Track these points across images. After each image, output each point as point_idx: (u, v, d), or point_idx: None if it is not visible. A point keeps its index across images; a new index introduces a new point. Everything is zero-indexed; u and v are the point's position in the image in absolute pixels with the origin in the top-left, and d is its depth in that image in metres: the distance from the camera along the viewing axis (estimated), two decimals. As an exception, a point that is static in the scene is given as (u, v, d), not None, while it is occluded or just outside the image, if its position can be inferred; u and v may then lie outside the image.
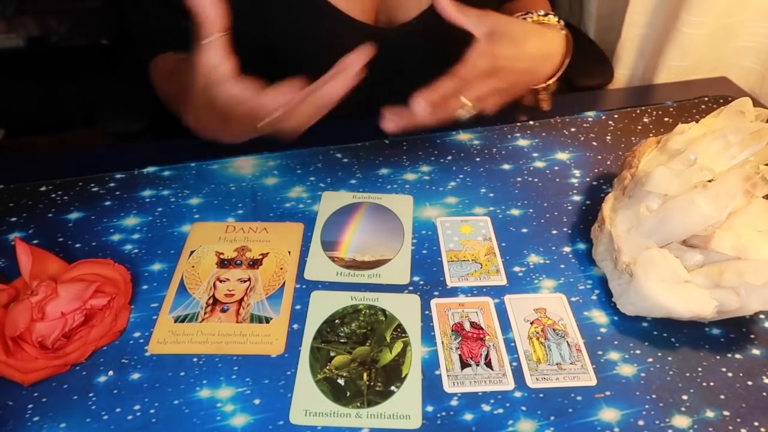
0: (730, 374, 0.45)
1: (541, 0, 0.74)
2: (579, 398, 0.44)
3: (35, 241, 0.55)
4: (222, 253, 0.54)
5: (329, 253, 0.54)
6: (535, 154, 0.66)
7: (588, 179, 0.63)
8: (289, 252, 0.54)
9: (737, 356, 0.47)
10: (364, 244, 0.55)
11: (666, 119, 0.72)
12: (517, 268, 0.53)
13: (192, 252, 0.54)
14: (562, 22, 0.62)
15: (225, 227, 0.56)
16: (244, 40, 0.67)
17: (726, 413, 0.43)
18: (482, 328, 0.48)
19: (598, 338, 0.48)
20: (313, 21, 0.65)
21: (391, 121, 0.52)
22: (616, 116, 0.71)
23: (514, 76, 0.55)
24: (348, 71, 0.48)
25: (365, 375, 0.45)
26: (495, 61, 0.53)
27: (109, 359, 0.46)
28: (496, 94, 0.55)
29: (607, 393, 0.44)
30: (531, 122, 0.70)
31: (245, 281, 0.52)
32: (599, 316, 0.49)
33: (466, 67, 0.52)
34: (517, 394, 0.44)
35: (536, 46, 0.57)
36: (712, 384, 0.45)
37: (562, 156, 0.66)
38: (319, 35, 0.66)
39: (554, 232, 0.57)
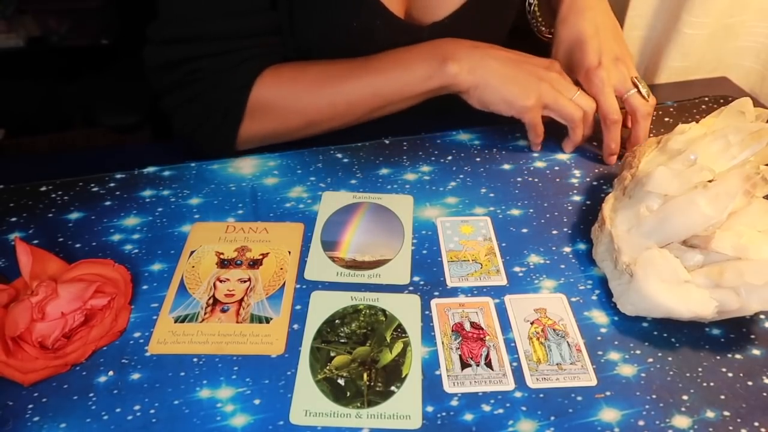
0: (730, 374, 0.45)
1: None
2: (579, 398, 0.44)
3: (35, 241, 0.55)
4: (222, 253, 0.54)
5: (329, 253, 0.54)
6: (535, 154, 0.66)
7: (588, 179, 0.63)
8: (289, 252, 0.54)
9: (737, 356, 0.47)
10: (364, 244, 0.55)
11: (666, 119, 0.72)
12: (517, 268, 0.53)
13: (192, 252, 0.54)
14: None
15: (225, 227, 0.56)
16: (287, 30, 0.65)
17: (726, 413, 0.43)
18: (482, 328, 0.48)
19: (598, 338, 0.48)
20: (352, 11, 0.64)
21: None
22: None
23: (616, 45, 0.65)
24: None
25: (365, 375, 0.45)
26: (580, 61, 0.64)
27: (109, 359, 0.46)
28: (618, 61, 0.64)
29: (607, 393, 0.44)
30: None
31: (245, 281, 0.51)
32: (599, 316, 0.49)
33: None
34: (517, 394, 0.44)
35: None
36: (712, 384, 0.45)
37: (562, 156, 0.66)
38: (357, 26, 0.65)
39: (554, 232, 0.57)
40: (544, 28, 0.74)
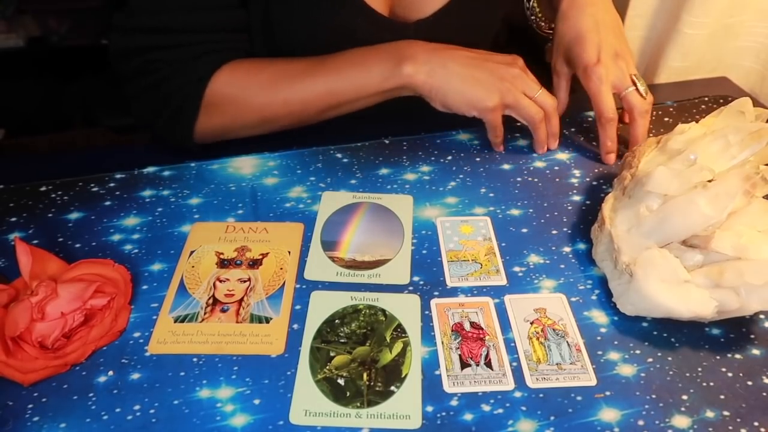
0: (730, 374, 0.45)
1: None
2: (579, 398, 0.44)
3: (35, 241, 0.55)
4: (222, 253, 0.54)
5: (329, 253, 0.54)
6: (535, 154, 0.66)
7: (588, 179, 0.63)
8: (289, 252, 0.54)
9: (737, 356, 0.47)
10: (364, 244, 0.55)
11: (666, 119, 0.72)
12: (517, 268, 0.53)
13: (192, 252, 0.54)
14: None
15: (225, 227, 0.56)
16: (268, 27, 0.65)
17: (726, 413, 0.43)
18: (482, 328, 0.48)
19: (598, 338, 0.48)
20: (332, 9, 0.64)
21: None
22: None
23: (617, 41, 0.65)
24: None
25: (365, 375, 0.45)
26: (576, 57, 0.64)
27: (109, 359, 0.46)
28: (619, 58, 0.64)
29: (607, 393, 0.44)
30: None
31: (245, 281, 0.51)
32: (599, 316, 0.49)
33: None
34: (517, 394, 0.44)
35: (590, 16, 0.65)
36: (712, 384, 0.45)
37: (562, 156, 0.66)
38: (339, 24, 0.65)
39: (554, 232, 0.57)
40: (543, 24, 0.74)
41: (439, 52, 0.61)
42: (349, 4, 0.63)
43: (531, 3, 0.72)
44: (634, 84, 0.63)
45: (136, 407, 0.43)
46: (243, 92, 0.61)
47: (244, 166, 0.64)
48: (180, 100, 0.61)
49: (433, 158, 0.65)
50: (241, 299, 0.50)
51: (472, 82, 0.60)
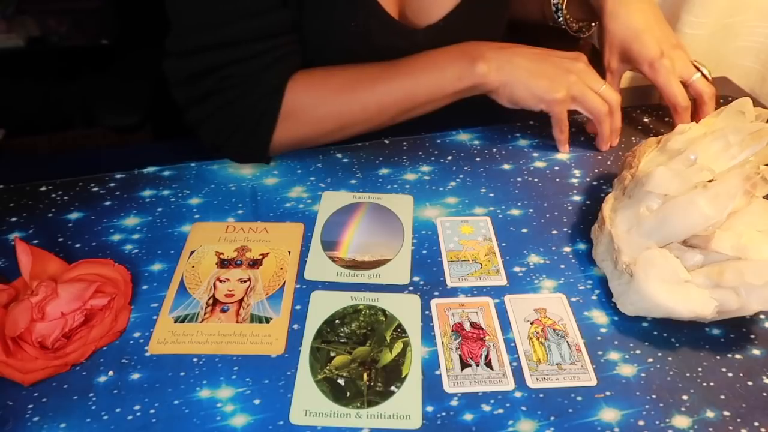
0: (730, 374, 0.45)
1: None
2: (579, 398, 0.44)
3: (35, 241, 0.55)
4: (222, 253, 0.54)
5: (329, 253, 0.54)
6: (535, 154, 0.66)
7: (588, 179, 0.63)
8: (289, 252, 0.54)
9: (737, 356, 0.47)
10: (364, 244, 0.55)
11: (666, 119, 0.72)
12: (517, 268, 0.53)
13: (192, 252, 0.54)
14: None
15: (225, 227, 0.56)
16: (299, 27, 0.64)
17: (726, 413, 0.43)
18: (482, 328, 0.48)
19: (598, 338, 0.48)
20: (349, 12, 0.63)
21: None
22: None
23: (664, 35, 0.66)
24: None
25: (365, 375, 0.45)
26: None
27: (109, 359, 0.46)
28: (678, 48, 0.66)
29: (607, 393, 0.44)
30: (531, 122, 0.70)
31: (245, 281, 0.52)
32: (599, 316, 0.49)
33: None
34: (517, 394, 0.44)
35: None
36: (712, 384, 0.45)
37: (562, 156, 0.66)
38: (355, 27, 0.64)
39: (554, 232, 0.57)
40: (574, 25, 0.74)
41: (505, 49, 0.62)
42: (363, 7, 0.63)
43: (558, 4, 0.72)
44: (699, 70, 0.65)
45: (136, 407, 0.43)
46: (320, 100, 0.61)
47: (244, 166, 0.64)
48: (257, 113, 0.59)
49: (433, 158, 0.65)
50: (241, 299, 0.50)
51: (539, 75, 0.61)
